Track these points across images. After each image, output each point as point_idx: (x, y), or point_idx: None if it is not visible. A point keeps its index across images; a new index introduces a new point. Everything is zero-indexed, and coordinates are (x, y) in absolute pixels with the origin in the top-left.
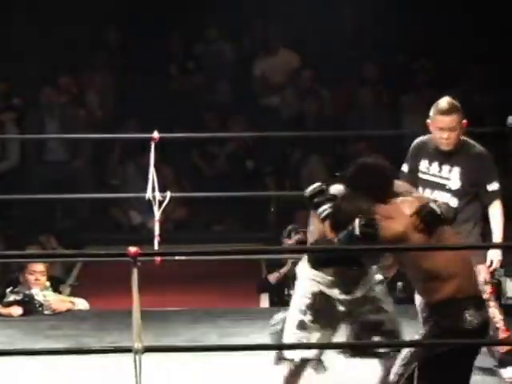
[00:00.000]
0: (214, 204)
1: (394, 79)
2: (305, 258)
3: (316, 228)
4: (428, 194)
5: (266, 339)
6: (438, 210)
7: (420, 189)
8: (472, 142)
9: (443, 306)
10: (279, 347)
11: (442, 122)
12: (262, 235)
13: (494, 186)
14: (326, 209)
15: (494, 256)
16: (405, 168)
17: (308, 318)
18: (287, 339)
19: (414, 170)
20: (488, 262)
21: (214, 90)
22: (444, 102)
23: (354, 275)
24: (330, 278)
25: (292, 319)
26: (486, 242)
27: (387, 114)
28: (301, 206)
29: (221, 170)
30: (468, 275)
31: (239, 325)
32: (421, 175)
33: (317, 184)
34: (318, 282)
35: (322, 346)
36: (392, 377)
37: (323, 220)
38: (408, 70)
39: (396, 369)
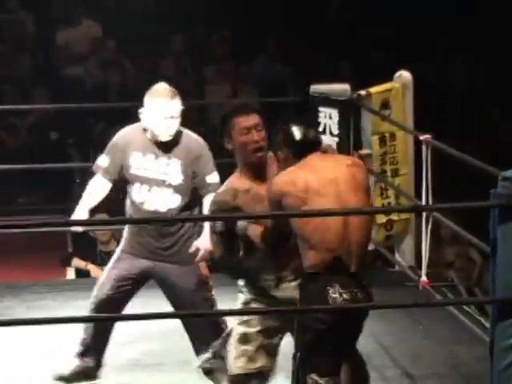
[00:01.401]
0: (18, 176)
1: (197, 50)
2: None
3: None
4: (145, 191)
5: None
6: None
7: (135, 186)
8: (187, 131)
9: (309, 277)
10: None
11: (165, 108)
12: (67, 206)
13: (213, 178)
14: (241, 223)
15: (202, 244)
16: (104, 161)
17: (252, 329)
18: (231, 355)
19: (122, 164)
20: (193, 248)
21: (15, 61)
22: (162, 87)
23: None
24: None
25: (235, 333)
26: None
27: (191, 85)
28: None
29: (24, 141)
30: (345, 250)
31: (45, 298)
32: (133, 171)
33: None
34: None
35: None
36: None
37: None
38: (209, 41)
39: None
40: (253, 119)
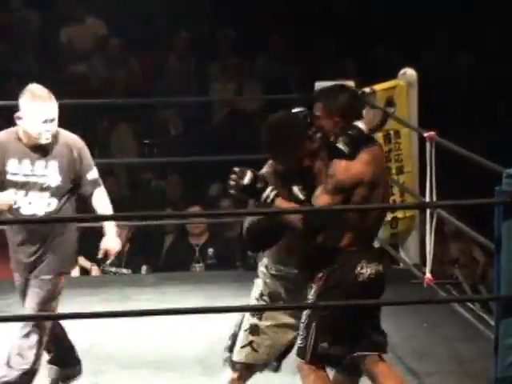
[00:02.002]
0: None
1: (202, 47)
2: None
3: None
4: (21, 196)
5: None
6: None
7: (11, 191)
8: (62, 130)
9: (338, 255)
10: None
11: (45, 111)
12: None
13: (93, 174)
14: (268, 194)
15: (111, 243)
16: None
17: (263, 322)
18: (239, 342)
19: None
20: (101, 253)
21: (19, 59)
22: (39, 89)
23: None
24: (294, 271)
25: (246, 322)
26: None
27: (195, 82)
28: (110, 173)
29: None
30: (372, 229)
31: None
32: (9, 177)
33: (248, 171)
34: (281, 279)
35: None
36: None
37: (271, 204)
38: (214, 38)
39: (299, 337)
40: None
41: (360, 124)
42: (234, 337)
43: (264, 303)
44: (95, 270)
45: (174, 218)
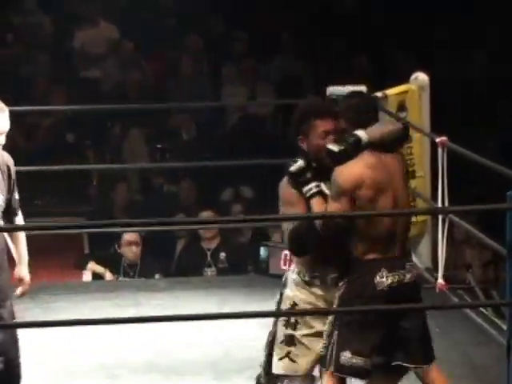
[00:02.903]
0: (35, 178)
1: (215, 49)
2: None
3: (298, 210)
4: None
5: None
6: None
7: None
8: None
9: (357, 264)
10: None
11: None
12: (84, 209)
13: (17, 195)
14: (311, 188)
15: (24, 272)
16: None
17: (299, 331)
18: (276, 354)
19: None
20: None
21: (34, 62)
22: None
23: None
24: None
25: (280, 333)
26: None
27: (208, 84)
28: (122, 179)
29: (41, 143)
30: (391, 238)
31: (61, 299)
32: None
33: (300, 161)
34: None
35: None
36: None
37: (308, 199)
38: (227, 40)
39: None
40: (331, 124)
41: (361, 132)
42: (269, 350)
43: (289, 327)
44: (109, 276)
45: (185, 224)
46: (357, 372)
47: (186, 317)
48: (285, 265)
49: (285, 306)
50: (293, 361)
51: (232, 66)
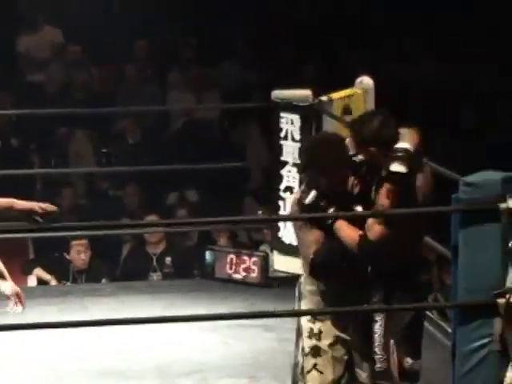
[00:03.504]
0: None
1: (161, 55)
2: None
3: (314, 237)
4: None
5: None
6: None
7: None
8: None
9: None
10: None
11: None
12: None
13: None
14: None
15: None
16: None
17: (323, 342)
18: (305, 369)
19: None
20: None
21: None
22: None
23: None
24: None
25: (305, 346)
26: None
27: (154, 90)
28: (67, 184)
29: None
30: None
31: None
32: None
33: (313, 192)
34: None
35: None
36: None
37: (331, 225)
38: (174, 46)
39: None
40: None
41: (403, 144)
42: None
43: (320, 323)
44: (54, 283)
45: (133, 227)
46: (417, 376)
47: (132, 320)
48: (230, 269)
49: (304, 318)
50: (320, 372)
51: (178, 72)
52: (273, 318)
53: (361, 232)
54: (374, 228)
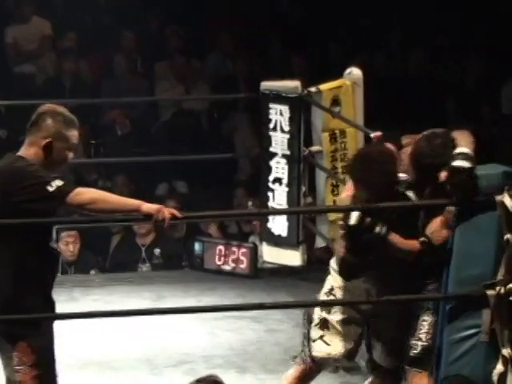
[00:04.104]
0: None
1: (148, 46)
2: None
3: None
4: None
5: None
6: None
7: None
8: None
9: None
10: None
11: None
12: None
13: None
14: (380, 229)
15: None
16: None
17: (332, 317)
18: (311, 337)
19: None
20: None
21: None
22: None
23: None
24: None
25: (316, 316)
26: None
27: (143, 81)
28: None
29: None
30: None
31: None
32: None
33: (356, 213)
34: None
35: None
36: None
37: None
38: (161, 37)
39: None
40: None
41: (463, 149)
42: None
43: (333, 297)
44: None
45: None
46: None
47: (121, 312)
48: (219, 260)
49: (324, 289)
50: (326, 344)
51: (167, 63)
52: (262, 310)
53: (422, 239)
54: (443, 233)
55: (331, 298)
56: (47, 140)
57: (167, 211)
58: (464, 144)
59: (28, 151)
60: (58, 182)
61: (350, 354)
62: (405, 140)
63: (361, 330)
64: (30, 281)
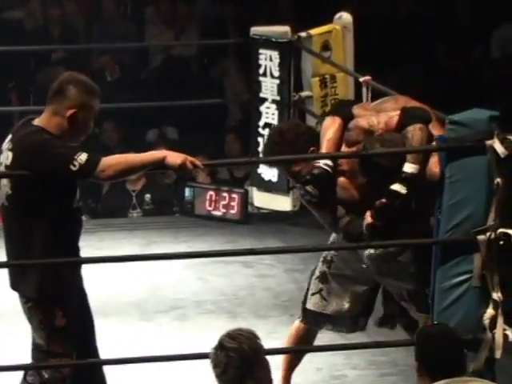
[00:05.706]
0: None
1: None
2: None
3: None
4: None
5: None
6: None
7: None
8: None
9: None
10: None
11: None
12: None
13: None
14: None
15: None
16: None
17: (332, 270)
18: (311, 290)
19: None
20: None
21: None
22: None
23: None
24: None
25: (317, 270)
26: None
27: (132, 26)
28: None
29: None
30: None
31: None
32: None
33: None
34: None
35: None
36: None
37: None
38: None
39: None
40: None
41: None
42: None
43: (335, 253)
44: None
45: None
46: None
47: (112, 258)
48: (210, 206)
49: (321, 257)
50: (324, 298)
51: (155, 8)
52: (252, 255)
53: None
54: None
55: (332, 251)
56: (72, 110)
57: (189, 162)
58: (415, 141)
59: (49, 122)
60: (82, 158)
61: (350, 314)
62: (356, 110)
63: (362, 289)
64: (64, 248)
